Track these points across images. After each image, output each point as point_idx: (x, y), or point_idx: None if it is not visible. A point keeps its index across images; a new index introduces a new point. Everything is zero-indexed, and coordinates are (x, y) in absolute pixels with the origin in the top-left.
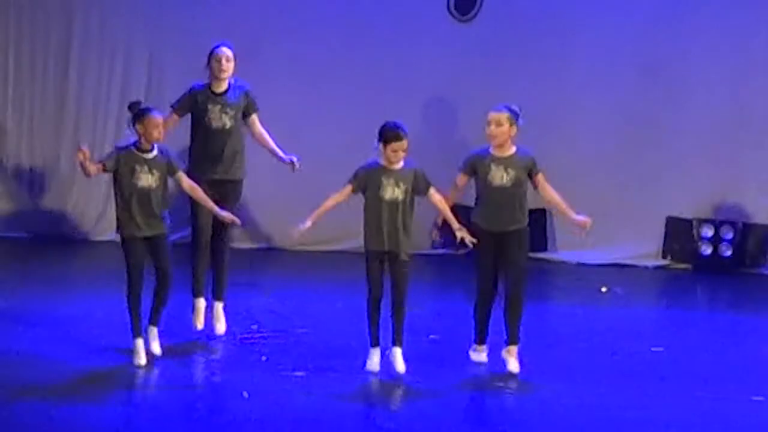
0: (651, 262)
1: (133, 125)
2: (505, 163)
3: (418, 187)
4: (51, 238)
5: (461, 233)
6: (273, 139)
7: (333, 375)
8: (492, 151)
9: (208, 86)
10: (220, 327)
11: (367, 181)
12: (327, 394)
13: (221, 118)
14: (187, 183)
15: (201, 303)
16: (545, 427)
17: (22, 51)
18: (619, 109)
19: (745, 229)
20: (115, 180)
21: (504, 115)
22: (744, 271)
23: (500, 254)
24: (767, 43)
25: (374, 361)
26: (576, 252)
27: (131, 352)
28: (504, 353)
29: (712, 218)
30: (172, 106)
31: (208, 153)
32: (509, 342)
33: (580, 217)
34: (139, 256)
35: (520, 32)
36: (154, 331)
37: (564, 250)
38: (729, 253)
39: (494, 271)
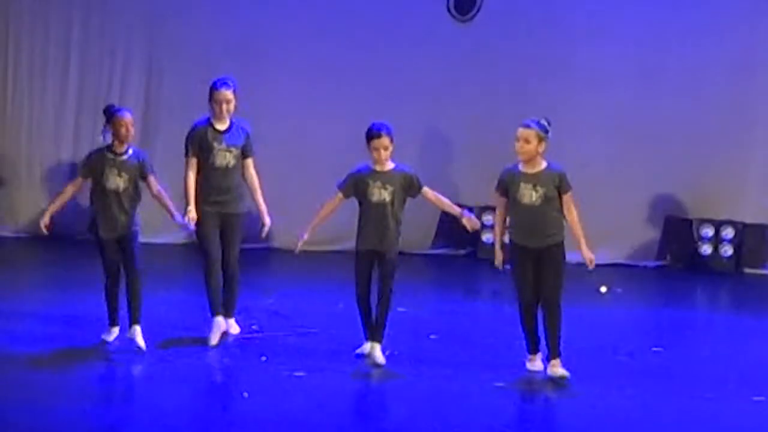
0: (651, 262)
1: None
2: (534, 180)
3: (410, 188)
4: (51, 237)
5: (465, 221)
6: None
7: (333, 375)
8: (521, 167)
9: (210, 123)
10: (234, 330)
11: (355, 185)
12: (327, 394)
13: (225, 157)
14: (155, 189)
15: (217, 321)
16: (545, 427)
17: (22, 51)
18: (618, 109)
19: (745, 229)
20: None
21: (532, 132)
22: (744, 271)
23: (537, 268)
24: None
25: (366, 347)
26: (576, 252)
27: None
28: (549, 370)
29: (712, 218)
30: (186, 154)
31: (212, 189)
32: (551, 356)
33: (589, 253)
34: (111, 254)
35: (520, 32)
36: (136, 330)
37: None
38: (729, 253)
39: (534, 283)
